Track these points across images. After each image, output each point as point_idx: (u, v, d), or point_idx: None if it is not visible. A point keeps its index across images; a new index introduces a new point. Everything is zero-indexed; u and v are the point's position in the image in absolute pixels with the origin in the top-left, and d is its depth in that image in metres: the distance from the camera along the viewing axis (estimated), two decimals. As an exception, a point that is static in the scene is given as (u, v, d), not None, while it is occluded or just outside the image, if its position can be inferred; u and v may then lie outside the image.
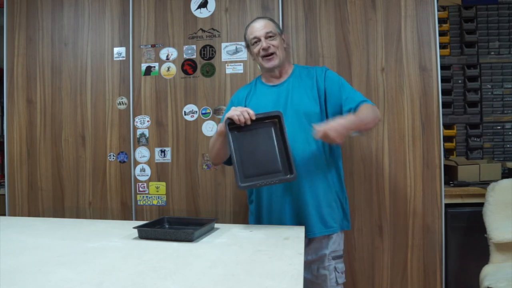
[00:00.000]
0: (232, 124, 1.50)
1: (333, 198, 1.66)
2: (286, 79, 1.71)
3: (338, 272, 1.63)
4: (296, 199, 1.61)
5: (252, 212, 1.74)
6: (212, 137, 1.66)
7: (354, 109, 1.58)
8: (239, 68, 2.26)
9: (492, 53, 3.12)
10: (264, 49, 1.63)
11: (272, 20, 1.72)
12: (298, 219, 1.61)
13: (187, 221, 1.60)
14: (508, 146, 3.11)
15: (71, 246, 1.29)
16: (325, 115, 1.64)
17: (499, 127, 3.12)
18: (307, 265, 1.64)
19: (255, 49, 1.67)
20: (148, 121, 2.35)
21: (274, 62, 1.65)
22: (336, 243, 1.66)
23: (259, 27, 1.65)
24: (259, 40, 1.65)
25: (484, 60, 3.12)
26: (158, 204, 2.33)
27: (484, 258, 2.06)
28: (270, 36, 1.64)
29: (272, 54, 1.64)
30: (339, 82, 1.66)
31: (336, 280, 1.62)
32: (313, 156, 1.61)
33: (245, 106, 1.67)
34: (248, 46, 1.74)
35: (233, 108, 1.52)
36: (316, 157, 1.61)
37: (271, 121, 1.52)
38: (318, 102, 1.63)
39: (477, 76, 3.10)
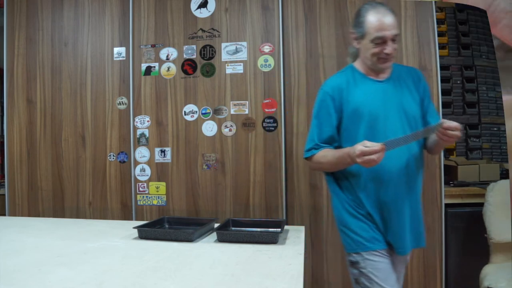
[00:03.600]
0: None
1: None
2: (390, 76, 1.53)
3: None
4: (415, 208, 1.52)
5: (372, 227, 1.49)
6: (332, 159, 1.50)
7: None
8: (239, 68, 2.26)
9: (483, 56, 3.12)
10: (387, 54, 1.44)
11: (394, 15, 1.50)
12: (414, 230, 1.52)
13: (187, 221, 1.61)
14: (505, 147, 3.10)
15: (71, 246, 1.29)
16: (424, 120, 1.55)
17: (495, 129, 3.12)
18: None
19: (376, 49, 1.43)
20: (148, 121, 2.35)
21: (389, 63, 1.48)
22: None
23: (389, 26, 1.43)
24: (385, 41, 1.43)
25: (478, 62, 3.12)
26: (158, 204, 2.33)
27: (484, 258, 2.06)
28: (394, 39, 1.45)
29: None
30: (430, 96, 1.60)
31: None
32: (420, 158, 1.52)
33: (344, 99, 1.50)
34: (361, 36, 1.47)
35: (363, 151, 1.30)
36: (421, 159, 1.53)
37: None
38: (419, 105, 1.54)
39: (473, 77, 3.11)
